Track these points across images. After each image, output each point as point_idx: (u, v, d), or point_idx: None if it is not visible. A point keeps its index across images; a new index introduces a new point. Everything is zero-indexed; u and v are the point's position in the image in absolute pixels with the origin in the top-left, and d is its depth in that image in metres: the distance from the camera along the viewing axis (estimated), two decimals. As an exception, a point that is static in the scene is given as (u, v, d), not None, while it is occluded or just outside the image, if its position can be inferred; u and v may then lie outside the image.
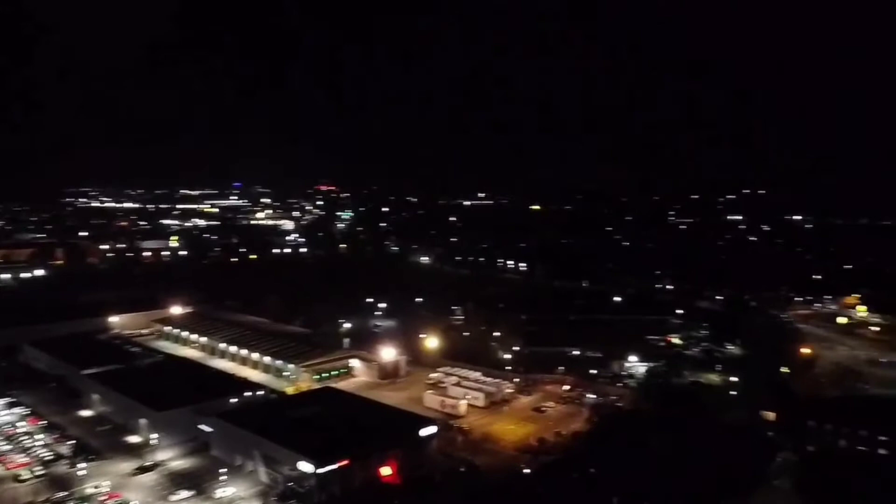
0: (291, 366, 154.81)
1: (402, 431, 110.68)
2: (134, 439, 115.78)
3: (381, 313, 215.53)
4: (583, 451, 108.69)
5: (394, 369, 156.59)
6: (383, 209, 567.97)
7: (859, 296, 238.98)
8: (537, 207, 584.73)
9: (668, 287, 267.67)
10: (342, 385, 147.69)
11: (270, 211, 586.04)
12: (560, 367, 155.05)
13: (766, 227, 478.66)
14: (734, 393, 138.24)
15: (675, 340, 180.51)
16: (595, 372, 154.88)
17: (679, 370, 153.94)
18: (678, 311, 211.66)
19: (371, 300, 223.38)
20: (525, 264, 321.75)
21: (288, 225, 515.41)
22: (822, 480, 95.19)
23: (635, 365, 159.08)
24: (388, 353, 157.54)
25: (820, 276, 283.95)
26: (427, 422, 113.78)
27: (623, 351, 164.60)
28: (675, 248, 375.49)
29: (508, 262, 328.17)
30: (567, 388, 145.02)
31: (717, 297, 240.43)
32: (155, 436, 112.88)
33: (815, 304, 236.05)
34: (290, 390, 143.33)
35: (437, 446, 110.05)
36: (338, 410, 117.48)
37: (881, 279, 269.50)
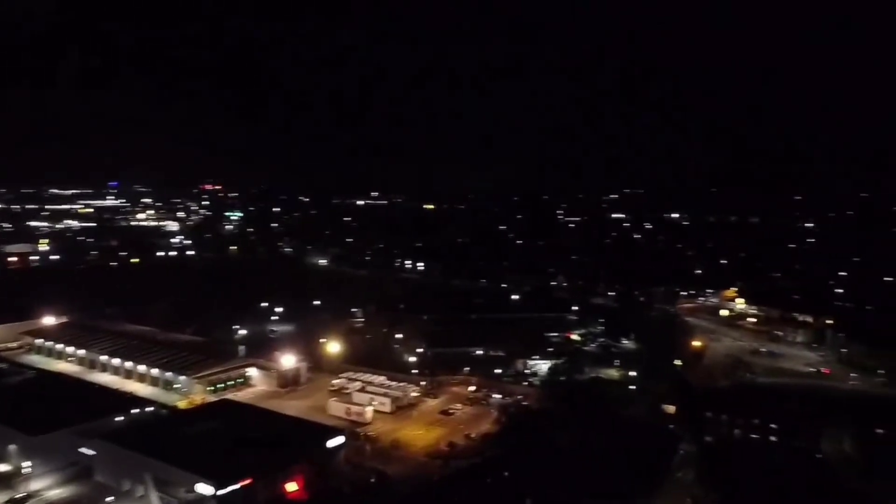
0: (183, 378, 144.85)
1: (307, 443, 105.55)
2: (3, 468, 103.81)
3: (277, 318, 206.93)
4: (494, 453, 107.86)
5: (294, 377, 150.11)
6: (274, 209, 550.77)
7: (737, 289, 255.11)
8: (431, 207, 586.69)
9: (562, 284, 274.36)
10: (239, 396, 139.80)
11: (152, 212, 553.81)
12: (465, 368, 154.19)
13: (648, 225, 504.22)
14: (633, 387, 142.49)
15: (574, 337, 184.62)
16: (499, 371, 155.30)
17: (580, 366, 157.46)
18: (574, 308, 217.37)
19: (266, 304, 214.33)
20: (423, 264, 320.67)
21: (172, 226, 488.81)
22: (721, 470, 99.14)
23: (538, 363, 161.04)
24: (287, 359, 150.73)
25: (700, 271, 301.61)
26: (333, 431, 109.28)
27: (525, 349, 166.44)
28: (565, 245, 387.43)
29: (406, 262, 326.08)
30: (473, 389, 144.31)
31: (610, 294, 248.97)
32: (28, 463, 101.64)
33: (699, 298, 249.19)
34: (182, 405, 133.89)
35: (345, 457, 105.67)
36: (236, 424, 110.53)
37: (753, 273, 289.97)
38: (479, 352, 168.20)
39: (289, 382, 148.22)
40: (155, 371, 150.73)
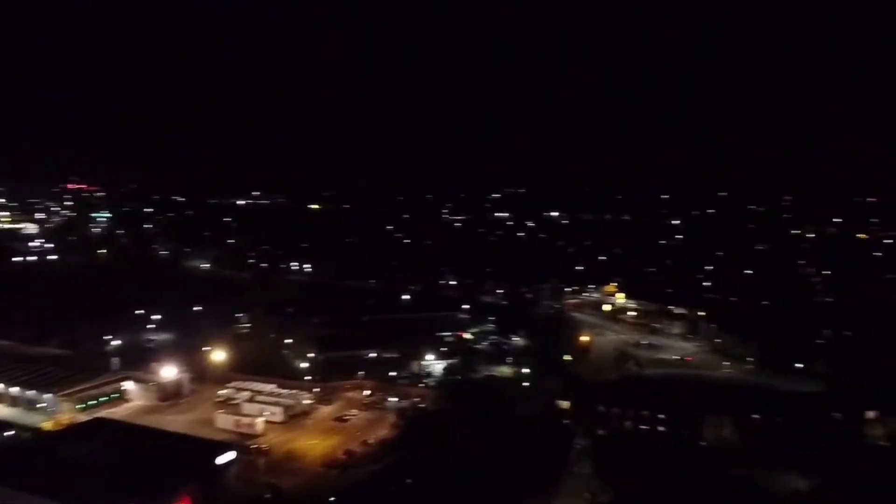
0: (48, 396, 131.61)
1: (194, 461, 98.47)
2: None
3: (155, 326, 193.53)
4: (394, 460, 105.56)
5: (175, 389, 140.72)
6: (146, 209, 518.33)
7: (616, 284, 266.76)
8: (317, 206, 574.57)
9: (451, 283, 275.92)
10: (114, 413, 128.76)
11: (6, 213, 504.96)
12: (359, 372, 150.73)
13: (530, 224, 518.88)
14: (527, 384, 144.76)
15: (467, 336, 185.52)
16: (394, 374, 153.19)
17: (474, 365, 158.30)
18: (465, 307, 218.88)
19: (141, 312, 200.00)
20: (310, 265, 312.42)
21: (30, 228, 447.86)
22: (615, 463, 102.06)
23: (432, 363, 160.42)
24: (167, 371, 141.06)
25: (581, 268, 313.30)
26: (223, 446, 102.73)
27: (419, 350, 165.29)
28: (452, 244, 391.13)
29: (292, 264, 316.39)
30: (368, 393, 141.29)
31: (498, 291, 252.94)
32: None
33: (583, 294, 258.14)
34: (48, 426, 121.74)
35: (236, 473, 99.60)
36: (113, 445, 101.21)
37: (630, 268, 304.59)
38: (373, 354, 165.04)
39: (170, 395, 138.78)
40: (14, 390, 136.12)
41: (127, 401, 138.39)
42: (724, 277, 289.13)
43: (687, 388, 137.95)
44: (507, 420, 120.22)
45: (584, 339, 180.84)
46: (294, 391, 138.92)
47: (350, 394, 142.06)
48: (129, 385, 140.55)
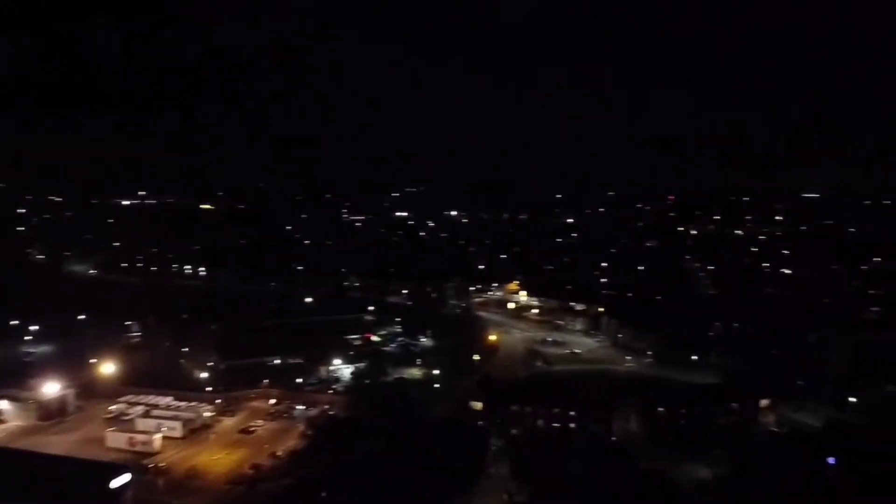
0: None
1: (84, 487, 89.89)
2: None
3: (33, 338, 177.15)
4: (305, 471, 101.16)
5: (59, 407, 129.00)
6: (19, 210, 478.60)
7: (518, 282, 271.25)
8: (209, 207, 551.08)
9: (355, 284, 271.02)
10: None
11: None
12: (263, 380, 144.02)
13: (431, 223, 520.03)
14: (438, 386, 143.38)
15: (374, 338, 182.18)
16: (301, 380, 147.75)
17: (383, 368, 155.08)
18: (370, 308, 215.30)
19: (17, 322, 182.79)
20: (205, 268, 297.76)
21: None
22: (530, 463, 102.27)
23: (340, 368, 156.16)
24: (48, 387, 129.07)
25: (483, 267, 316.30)
26: (116, 468, 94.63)
27: (325, 354, 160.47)
28: (354, 244, 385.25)
29: (185, 267, 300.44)
30: (274, 402, 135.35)
31: (403, 292, 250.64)
32: None
33: (487, 293, 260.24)
34: None
35: (133, 496, 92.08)
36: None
37: (530, 266, 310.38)
38: (277, 361, 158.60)
39: (53, 414, 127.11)
40: None
41: (2, 422, 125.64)
42: (619, 274, 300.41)
43: (594, 383, 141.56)
44: (421, 423, 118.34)
45: (492, 337, 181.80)
46: (193, 403, 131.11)
47: (255, 403, 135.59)
48: (3, 405, 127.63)
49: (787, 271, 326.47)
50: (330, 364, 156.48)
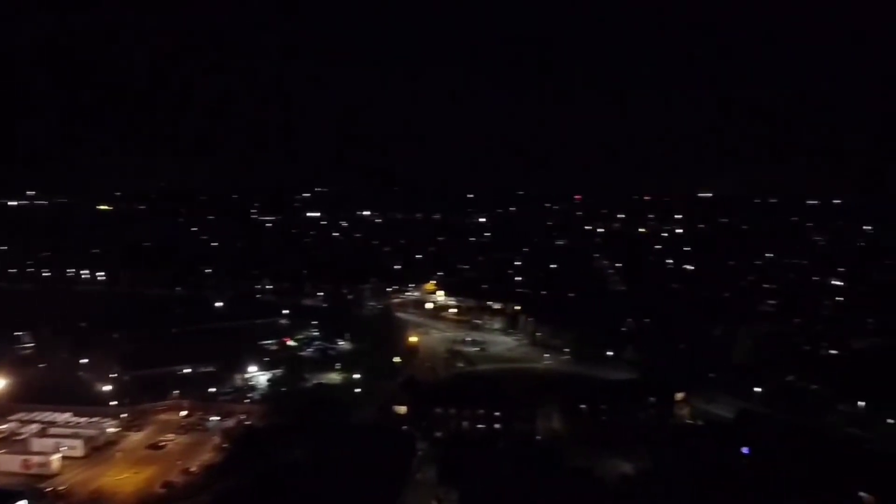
0: None
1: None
2: None
3: None
4: (223, 486, 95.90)
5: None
6: None
7: (435, 282, 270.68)
8: (107, 207, 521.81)
9: (268, 287, 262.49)
10: None
11: None
12: (173, 391, 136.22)
13: (343, 223, 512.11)
14: (359, 390, 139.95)
15: (290, 343, 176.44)
16: (214, 390, 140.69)
17: (301, 374, 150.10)
18: (285, 312, 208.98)
19: None
20: (104, 273, 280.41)
21: None
22: (457, 466, 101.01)
23: (255, 375, 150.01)
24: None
25: (399, 267, 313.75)
26: (10, 496, 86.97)
27: (239, 361, 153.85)
28: (265, 246, 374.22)
29: (82, 272, 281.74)
30: (185, 414, 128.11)
31: (319, 294, 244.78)
32: None
33: (404, 293, 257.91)
34: None
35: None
36: None
37: (446, 266, 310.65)
38: (187, 370, 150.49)
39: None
40: None
41: None
42: (533, 272, 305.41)
43: (515, 382, 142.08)
44: (343, 430, 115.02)
45: (412, 339, 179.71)
46: (95, 419, 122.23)
47: (164, 416, 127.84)
48: None
49: (689, 267, 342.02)
50: (244, 371, 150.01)
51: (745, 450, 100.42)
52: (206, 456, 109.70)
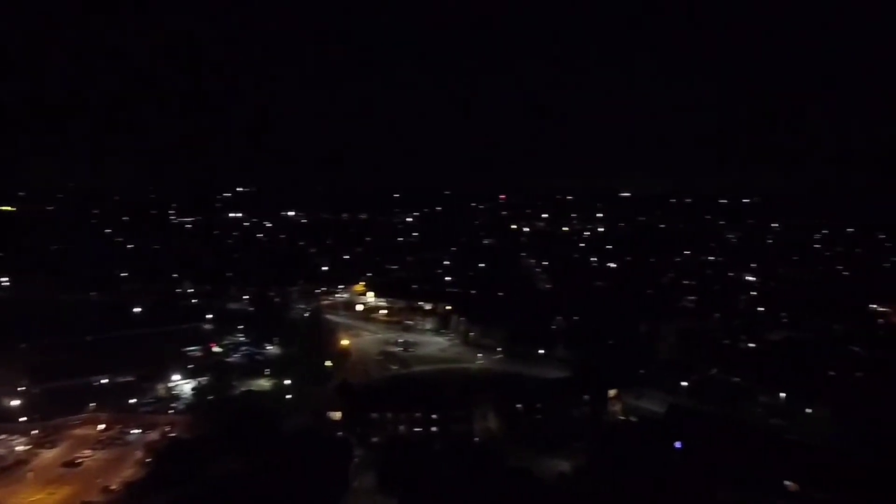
0: None
1: None
2: None
3: None
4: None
5: None
6: None
7: (364, 283, 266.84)
8: (10, 209, 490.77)
9: (189, 291, 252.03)
10: None
11: None
12: (89, 404, 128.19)
13: (267, 224, 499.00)
14: (290, 396, 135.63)
15: (216, 349, 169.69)
16: (134, 401, 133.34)
17: (228, 381, 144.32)
18: (209, 316, 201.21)
19: None
20: (7, 278, 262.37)
21: None
22: (394, 471, 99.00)
23: (179, 384, 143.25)
24: None
25: (327, 268, 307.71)
26: None
27: (161, 369, 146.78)
28: (185, 248, 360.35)
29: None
30: (103, 428, 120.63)
31: (244, 297, 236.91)
32: None
33: (333, 295, 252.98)
34: None
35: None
36: None
37: (375, 266, 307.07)
38: (104, 380, 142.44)
39: None
40: None
41: None
42: (462, 271, 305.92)
43: (450, 383, 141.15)
44: (275, 439, 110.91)
45: (343, 342, 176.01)
46: (3, 437, 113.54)
47: (80, 431, 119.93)
48: None
49: (612, 265, 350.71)
50: (167, 380, 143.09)
51: (677, 444, 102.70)
52: (128, 472, 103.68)
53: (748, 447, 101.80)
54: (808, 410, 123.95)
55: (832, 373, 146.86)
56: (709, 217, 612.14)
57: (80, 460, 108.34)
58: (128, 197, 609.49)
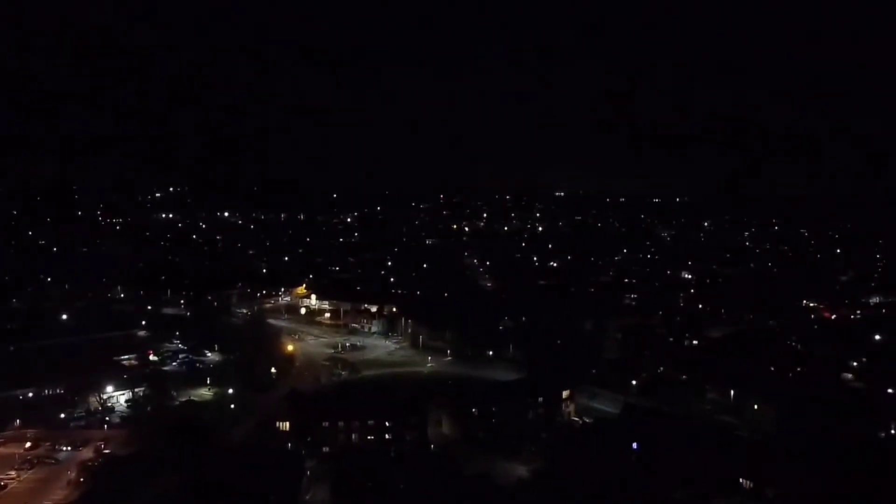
0: None
1: None
2: None
3: None
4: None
5: None
6: None
7: (306, 286, 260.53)
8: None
9: (121, 296, 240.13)
10: None
11: None
12: (13, 420, 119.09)
13: (203, 225, 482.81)
14: (234, 406, 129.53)
15: (152, 357, 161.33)
16: (64, 416, 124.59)
17: (166, 392, 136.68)
18: (143, 323, 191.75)
19: None
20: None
21: None
22: (349, 483, 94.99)
23: (113, 395, 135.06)
24: None
25: (266, 270, 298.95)
26: None
27: (93, 381, 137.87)
28: (114, 250, 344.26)
29: None
30: (30, 445, 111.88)
31: (181, 302, 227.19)
32: None
33: (273, 298, 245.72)
34: None
35: None
36: None
37: (316, 269, 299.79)
38: (30, 393, 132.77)
39: None
40: None
41: None
42: (405, 272, 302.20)
43: (401, 388, 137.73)
44: (220, 453, 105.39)
45: (288, 347, 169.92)
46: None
47: (3, 450, 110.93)
48: None
49: (553, 264, 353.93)
50: (100, 392, 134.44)
51: (634, 445, 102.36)
52: (59, 494, 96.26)
53: (702, 446, 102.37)
54: (756, 407, 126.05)
55: (773, 368, 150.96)
56: (643, 216, 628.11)
57: (4, 482, 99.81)
58: (50, 196, 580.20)
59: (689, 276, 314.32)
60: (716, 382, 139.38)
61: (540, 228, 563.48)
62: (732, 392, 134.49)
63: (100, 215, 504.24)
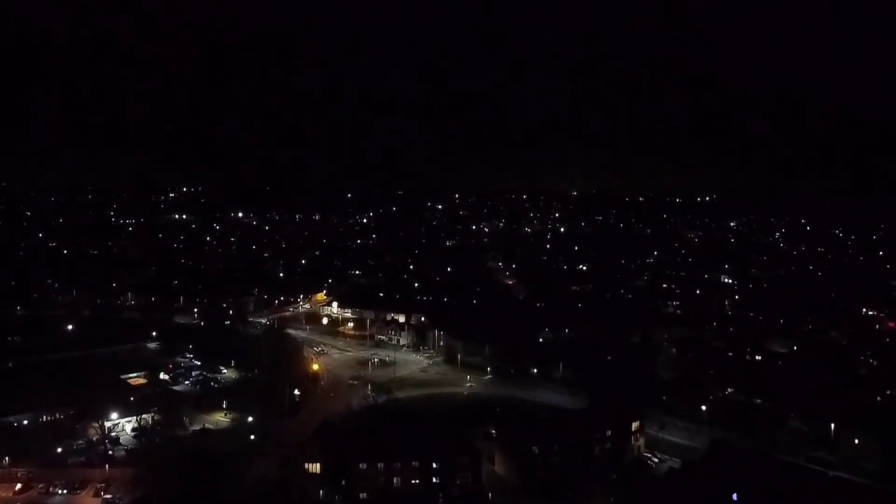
0: None
1: None
2: None
3: None
4: None
5: None
6: None
7: (326, 292, 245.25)
8: None
9: (130, 303, 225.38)
10: None
11: None
12: (4, 458, 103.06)
13: (217, 226, 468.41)
14: (254, 437, 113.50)
15: (163, 375, 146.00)
16: (60, 449, 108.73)
17: (177, 417, 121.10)
18: (154, 334, 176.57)
19: None
20: None
21: None
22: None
23: (118, 423, 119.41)
24: None
25: (283, 275, 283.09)
26: None
27: (96, 404, 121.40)
28: (125, 253, 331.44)
29: None
30: (20, 488, 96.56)
31: (195, 310, 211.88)
32: None
33: (293, 306, 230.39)
34: None
35: None
36: None
37: (335, 273, 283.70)
38: (24, 420, 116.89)
39: None
40: None
41: None
42: (429, 276, 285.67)
43: (443, 416, 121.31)
44: (237, 498, 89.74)
45: (312, 364, 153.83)
46: None
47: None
48: None
49: (583, 267, 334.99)
50: (103, 418, 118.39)
51: (735, 496, 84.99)
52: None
53: (804, 493, 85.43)
54: (856, 441, 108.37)
55: (860, 390, 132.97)
56: (665, 216, 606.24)
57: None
58: (60, 195, 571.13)
59: (728, 280, 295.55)
60: (800, 409, 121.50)
61: (562, 230, 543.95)
62: (822, 421, 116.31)
63: (112, 216, 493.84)
